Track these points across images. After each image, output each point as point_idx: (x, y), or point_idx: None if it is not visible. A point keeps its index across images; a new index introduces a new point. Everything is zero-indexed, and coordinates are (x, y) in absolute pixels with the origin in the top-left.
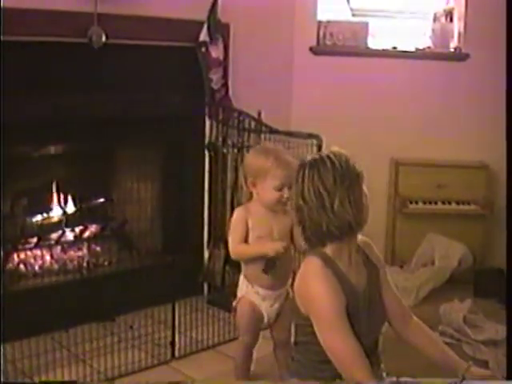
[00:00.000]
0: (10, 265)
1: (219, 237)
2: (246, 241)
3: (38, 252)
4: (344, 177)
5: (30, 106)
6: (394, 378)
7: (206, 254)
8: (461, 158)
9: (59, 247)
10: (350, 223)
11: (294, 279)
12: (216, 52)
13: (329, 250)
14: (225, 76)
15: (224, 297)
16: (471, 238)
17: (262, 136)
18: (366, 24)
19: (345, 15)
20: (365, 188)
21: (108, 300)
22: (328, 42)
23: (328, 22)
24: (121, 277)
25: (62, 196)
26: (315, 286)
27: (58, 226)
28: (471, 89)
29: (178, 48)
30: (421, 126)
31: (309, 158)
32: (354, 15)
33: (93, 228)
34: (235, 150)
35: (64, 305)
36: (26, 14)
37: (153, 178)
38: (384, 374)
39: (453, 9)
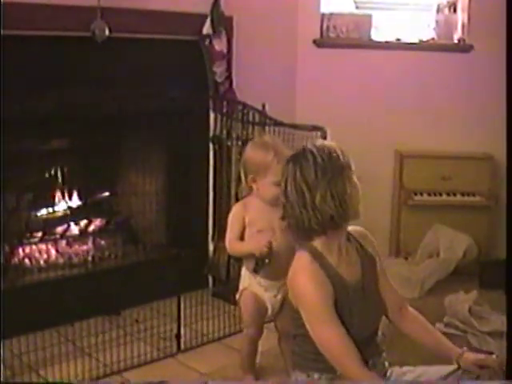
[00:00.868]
0: (16, 259)
1: (224, 230)
2: (242, 236)
3: (43, 246)
4: (325, 170)
5: (33, 100)
6: (397, 367)
7: (211, 247)
8: (465, 149)
9: (64, 241)
10: (332, 217)
11: None
12: (219, 45)
13: (317, 243)
14: (228, 69)
15: (229, 290)
16: (476, 229)
17: (267, 128)
18: (370, 16)
19: (348, 7)
20: (354, 178)
21: (113, 294)
22: (331, 35)
23: (331, 14)
24: (126, 270)
25: (66, 190)
26: (302, 280)
27: (63, 220)
28: (475, 80)
29: (182, 41)
30: (425, 118)
31: (292, 153)
32: (357, 7)
33: (98, 222)
34: (240, 143)
35: (69, 299)
36: (29, 9)
37: (157, 171)
38: (386, 364)
39: (456, 0)
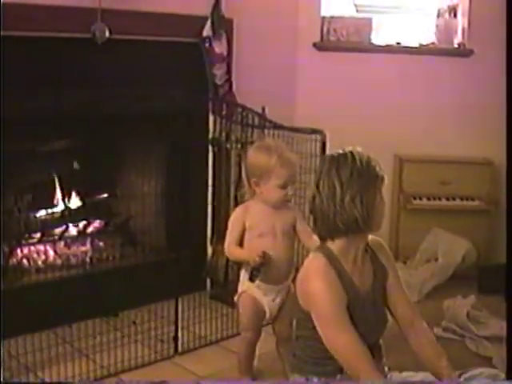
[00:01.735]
0: (14, 260)
1: (222, 232)
2: (243, 240)
3: (41, 247)
4: (361, 174)
5: (33, 101)
6: (397, 372)
7: (210, 250)
8: (465, 154)
9: (63, 242)
10: (356, 220)
11: (296, 274)
12: (219, 47)
13: (335, 247)
14: (228, 71)
15: (227, 292)
16: (475, 234)
17: (266, 131)
18: (370, 20)
19: (349, 11)
20: (383, 194)
21: (111, 295)
22: (332, 38)
23: (332, 17)
24: (124, 272)
25: (65, 191)
26: (316, 283)
27: (61, 221)
28: (475, 85)
29: (182, 43)
30: (425, 122)
31: (332, 153)
32: (357, 11)
33: (96, 223)
34: (239, 146)
35: (67, 300)
36: (30, 10)
37: (156, 173)
38: (386, 369)
39: (457, 5)
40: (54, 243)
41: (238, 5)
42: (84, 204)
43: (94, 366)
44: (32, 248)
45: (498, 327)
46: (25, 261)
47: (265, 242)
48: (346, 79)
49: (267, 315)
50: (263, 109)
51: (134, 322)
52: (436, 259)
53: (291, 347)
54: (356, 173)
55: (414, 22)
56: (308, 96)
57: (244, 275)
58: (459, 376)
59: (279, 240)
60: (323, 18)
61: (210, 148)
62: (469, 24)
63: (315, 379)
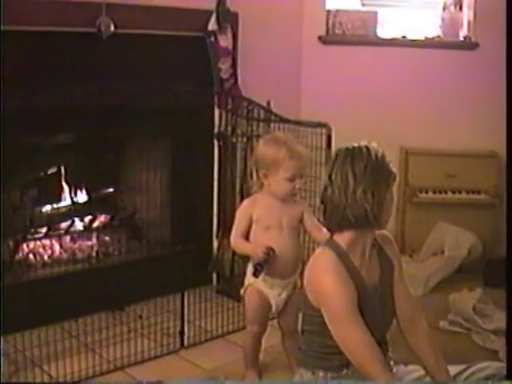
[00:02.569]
0: (20, 255)
1: (228, 226)
2: (249, 232)
3: (47, 242)
4: (375, 169)
5: (38, 95)
6: (402, 366)
7: (215, 244)
8: (470, 147)
9: (68, 237)
10: (366, 214)
11: (303, 269)
12: (225, 41)
13: (343, 241)
14: (234, 65)
15: (233, 286)
16: (481, 227)
17: (272, 125)
18: (375, 13)
19: (354, 4)
20: (394, 191)
21: (117, 290)
22: (337, 31)
23: (337, 11)
24: (130, 266)
25: (71, 186)
26: (327, 279)
27: (67, 215)
28: (481, 78)
29: (187, 37)
30: (430, 116)
31: (347, 145)
32: (363, 4)
33: (102, 218)
34: (244, 140)
35: (73, 294)
36: (35, 4)
37: (162, 167)
38: (392, 363)
39: None
40: (59, 238)
41: None
42: (90, 198)
43: (100, 360)
44: (38, 243)
45: (504, 320)
46: (31, 255)
47: (271, 234)
48: (352, 73)
49: (273, 309)
50: (268, 102)
51: (140, 316)
52: (442, 253)
53: (297, 341)
54: (370, 167)
55: (420, 15)
56: (313, 89)
57: (250, 268)
58: (464, 370)
59: (286, 233)
60: (328, 11)
61: (216, 142)
62: (474, 17)
63: (321, 373)
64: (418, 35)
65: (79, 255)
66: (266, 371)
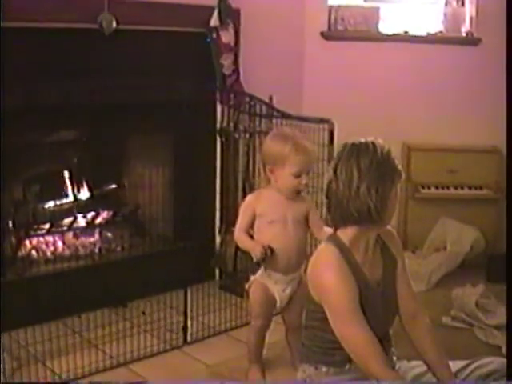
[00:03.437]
0: (23, 251)
1: (231, 222)
2: (252, 227)
3: (50, 238)
4: (380, 165)
5: (41, 92)
6: (405, 361)
7: (218, 240)
8: (473, 142)
9: (71, 233)
10: (369, 209)
11: (307, 264)
12: (227, 37)
13: (346, 237)
14: (236, 61)
15: (236, 282)
16: (483, 222)
17: (274, 121)
18: (377, 8)
19: (356, 0)
20: (398, 189)
21: (120, 286)
22: (339, 27)
23: (339, 6)
24: (133, 262)
25: (74, 182)
26: (329, 276)
27: (70, 212)
28: (483, 73)
29: (189, 33)
30: (432, 111)
31: (353, 140)
32: (365, 0)
33: (105, 214)
34: (247, 136)
35: (76, 291)
36: (37, 1)
37: (164, 163)
38: (394, 358)
39: None
40: (62, 234)
41: None
42: (92, 195)
43: (104, 356)
44: (41, 239)
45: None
46: (33, 252)
47: (275, 229)
48: (354, 68)
49: (277, 304)
50: (271, 98)
51: (143, 313)
52: (444, 248)
53: (300, 336)
54: (375, 163)
55: (422, 10)
56: (315, 85)
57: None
58: (467, 365)
59: (290, 229)
60: (330, 7)
61: (218, 138)
62: (477, 12)
63: (324, 368)
64: (420, 31)
65: (82, 251)
66: (269, 367)
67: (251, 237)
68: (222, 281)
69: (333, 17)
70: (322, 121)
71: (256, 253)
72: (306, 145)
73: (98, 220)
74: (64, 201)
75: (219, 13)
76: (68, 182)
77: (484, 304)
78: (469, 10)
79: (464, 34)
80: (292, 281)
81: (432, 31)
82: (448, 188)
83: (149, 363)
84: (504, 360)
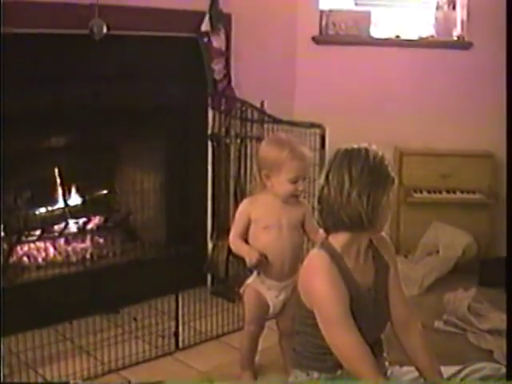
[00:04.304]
0: (14, 257)
1: (223, 228)
2: (247, 232)
3: (41, 244)
4: (372, 171)
5: (32, 97)
6: (397, 367)
7: (210, 245)
8: (465, 146)
9: (63, 239)
10: (360, 216)
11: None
12: (218, 42)
13: (338, 243)
14: (227, 66)
15: (228, 288)
16: (476, 227)
17: (265, 126)
18: (369, 13)
19: (347, 4)
20: (391, 196)
21: (112, 292)
22: (330, 32)
23: (330, 11)
24: (124, 268)
25: (65, 188)
26: (320, 282)
27: (61, 218)
28: (475, 77)
29: (180, 38)
30: (424, 116)
31: (346, 146)
32: (356, 4)
33: (96, 220)
34: (238, 141)
35: (68, 297)
36: (28, 7)
37: (156, 169)
38: (386, 364)
39: None
40: (54, 240)
41: None
42: (84, 201)
43: (95, 362)
44: (32, 245)
45: (499, 320)
46: (25, 258)
47: (269, 235)
48: (345, 73)
49: (271, 310)
50: (262, 103)
51: (135, 319)
52: (437, 252)
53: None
54: (367, 169)
55: (413, 14)
56: (307, 90)
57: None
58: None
59: (285, 234)
60: (322, 11)
61: (210, 143)
62: (468, 16)
63: (315, 374)
64: (412, 35)
65: (73, 257)
66: (261, 373)
67: (246, 242)
68: (213, 286)
69: (324, 21)
70: (313, 126)
71: (251, 258)
72: (302, 150)
73: (90, 226)
74: (55, 207)
75: (210, 18)
76: (59, 187)
77: (476, 308)
78: (460, 14)
79: (455, 38)
80: (286, 287)
81: (423, 35)
82: (440, 192)
83: (140, 369)
84: (497, 365)
